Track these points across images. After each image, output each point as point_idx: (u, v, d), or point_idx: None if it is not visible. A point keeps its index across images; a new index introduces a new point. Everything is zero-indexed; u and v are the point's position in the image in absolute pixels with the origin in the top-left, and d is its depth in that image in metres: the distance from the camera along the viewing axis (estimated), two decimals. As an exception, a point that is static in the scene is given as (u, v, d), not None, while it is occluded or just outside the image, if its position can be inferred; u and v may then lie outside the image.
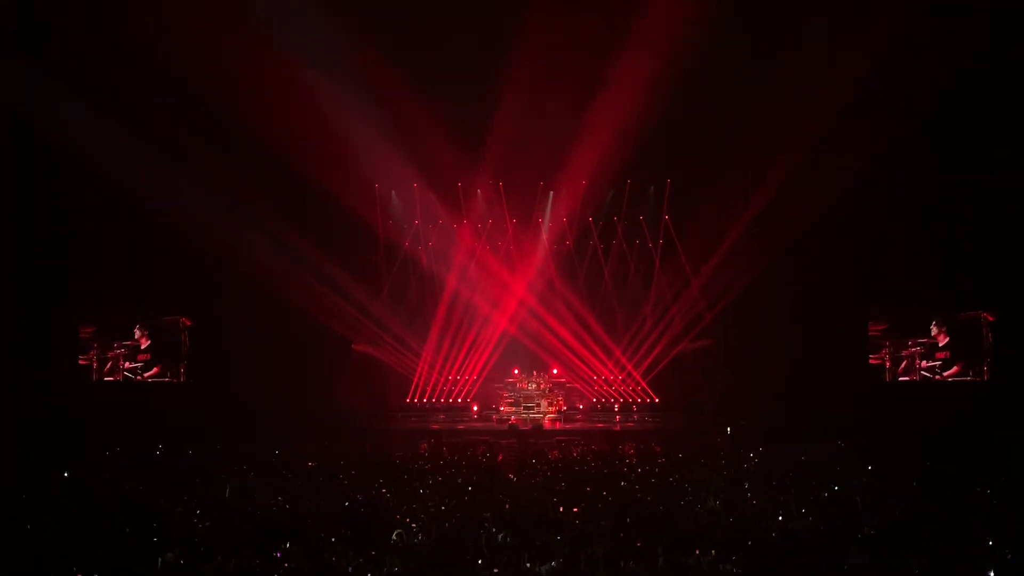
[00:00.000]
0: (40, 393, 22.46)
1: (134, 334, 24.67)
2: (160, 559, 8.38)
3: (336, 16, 19.82)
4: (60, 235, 23.19)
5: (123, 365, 24.59)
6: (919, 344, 23.80)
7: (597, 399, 25.36)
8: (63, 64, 20.14)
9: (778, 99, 20.81)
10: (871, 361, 23.97)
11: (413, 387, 25.32)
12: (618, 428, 23.13)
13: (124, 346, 24.66)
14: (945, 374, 23.55)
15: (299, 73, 20.83)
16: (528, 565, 8.15)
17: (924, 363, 23.68)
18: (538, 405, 24.80)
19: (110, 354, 24.65)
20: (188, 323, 24.67)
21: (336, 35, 20.15)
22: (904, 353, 23.88)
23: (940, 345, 23.68)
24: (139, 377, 24.58)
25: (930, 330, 23.73)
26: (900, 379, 23.86)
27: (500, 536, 9.13)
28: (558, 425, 23.62)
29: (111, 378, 24.58)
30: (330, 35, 20.09)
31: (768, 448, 17.10)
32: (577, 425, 23.56)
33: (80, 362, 24.43)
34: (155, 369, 24.63)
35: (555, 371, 25.46)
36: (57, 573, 8.05)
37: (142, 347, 24.62)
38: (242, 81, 20.39)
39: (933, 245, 22.42)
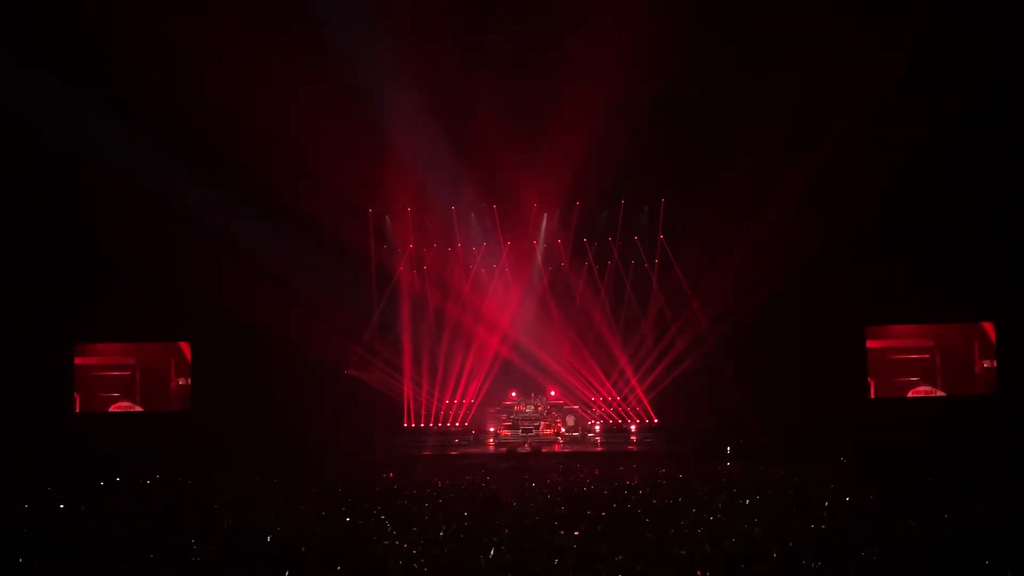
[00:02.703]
0: (34, 422, 22.34)
1: (130, 361, 24.60)
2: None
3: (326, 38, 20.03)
4: (59, 258, 23.10)
5: (117, 394, 24.47)
6: (918, 359, 23.78)
7: (594, 420, 25.23)
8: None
9: (773, 121, 20.90)
10: (868, 378, 23.89)
11: (407, 411, 25.14)
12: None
13: (118, 375, 24.56)
14: (944, 390, 23.56)
15: (293, 99, 20.98)
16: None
17: (923, 378, 23.66)
18: (536, 427, 24.65)
19: (104, 384, 24.54)
20: (187, 351, 24.62)
21: (333, 58, 20.33)
22: (903, 368, 23.84)
23: (939, 362, 23.67)
24: (134, 407, 24.46)
25: (929, 345, 23.75)
26: (901, 395, 23.80)
27: (500, 561, 9.05)
28: (556, 448, 23.51)
29: (105, 407, 24.43)
30: (327, 58, 20.26)
31: (766, 467, 17.04)
32: (577, 448, 23.45)
33: (75, 391, 24.32)
34: (147, 399, 24.54)
35: (553, 393, 25.35)
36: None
37: (139, 375, 24.55)
38: (233, 106, 20.49)
39: (931, 258, 22.38)
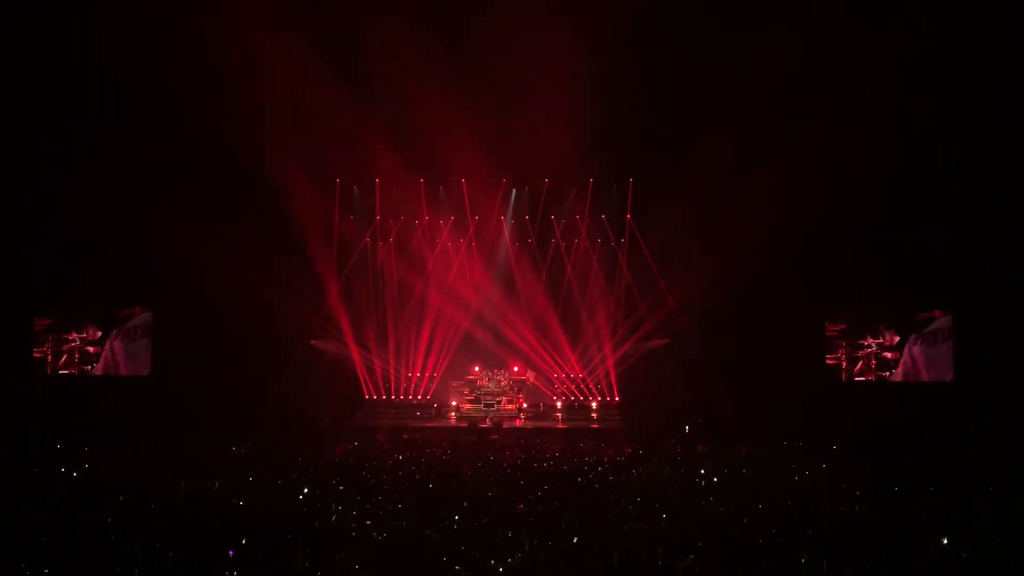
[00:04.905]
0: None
1: (88, 328, 24.35)
2: (115, 556, 8.26)
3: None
4: (17, 225, 22.72)
5: (77, 358, 24.22)
6: (875, 345, 24.14)
7: (558, 396, 25.34)
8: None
9: (740, 103, 20.98)
10: (828, 361, 24.23)
11: (367, 383, 25.10)
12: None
13: (79, 339, 24.29)
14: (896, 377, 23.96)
15: (257, 66, 20.67)
16: (489, 562, 8.13)
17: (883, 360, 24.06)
18: (498, 402, 24.68)
19: (65, 347, 24.28)
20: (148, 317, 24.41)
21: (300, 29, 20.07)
22: (860, 354, 24.19)
23: (894, 346, 24.04)
24: (94, 370, 24.23)
25: (883, 331, 24.10)
26: (856, 379, 24.17)
27: (459, 533, 9.12)
28: (518, 423, 23.59)
29: (66, 371, 24.18)
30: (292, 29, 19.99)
31: (723, 448, 17.25)
32: (539, 423, 23.53)
33: (34, 355, 24.05)
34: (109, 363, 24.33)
35: (515, 368, 25.37)
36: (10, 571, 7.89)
37: (96, 339, 24.32)
38: (196, 69, 20.19)
39: (892, 246, 22.67)
